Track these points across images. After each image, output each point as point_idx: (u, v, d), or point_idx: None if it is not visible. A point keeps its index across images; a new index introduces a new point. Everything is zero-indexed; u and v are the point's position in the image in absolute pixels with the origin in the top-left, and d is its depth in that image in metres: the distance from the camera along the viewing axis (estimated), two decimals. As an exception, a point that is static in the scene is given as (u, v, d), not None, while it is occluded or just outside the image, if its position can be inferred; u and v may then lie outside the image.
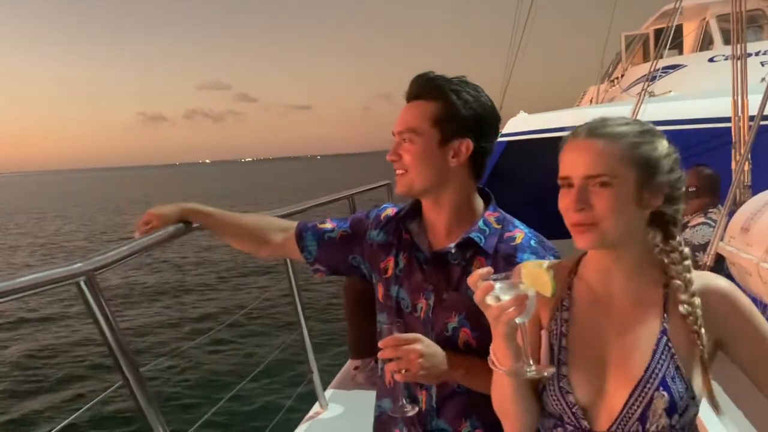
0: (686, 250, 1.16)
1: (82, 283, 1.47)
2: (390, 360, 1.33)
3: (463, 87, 1.45)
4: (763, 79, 5.22)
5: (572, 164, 1.11)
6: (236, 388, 2.61)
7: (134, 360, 1.61)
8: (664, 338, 1.11)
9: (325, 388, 3.20)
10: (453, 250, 1.46)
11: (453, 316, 1.43)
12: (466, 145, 1.45)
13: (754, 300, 2.92)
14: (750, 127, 3.56)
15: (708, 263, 3.05)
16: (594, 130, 1.12)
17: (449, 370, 1.34)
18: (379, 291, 1.61)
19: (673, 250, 1.14)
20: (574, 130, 1.15)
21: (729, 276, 3.35)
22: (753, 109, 3.59)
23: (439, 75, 1.46)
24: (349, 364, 3.50)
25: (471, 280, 1.12)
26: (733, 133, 3.85)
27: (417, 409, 1.43)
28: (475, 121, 1.45)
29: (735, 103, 3.84)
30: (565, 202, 1.12)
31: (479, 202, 1.54)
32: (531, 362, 1.11)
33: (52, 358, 8.15)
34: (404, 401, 1.40)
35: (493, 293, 1.08)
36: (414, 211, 1.57)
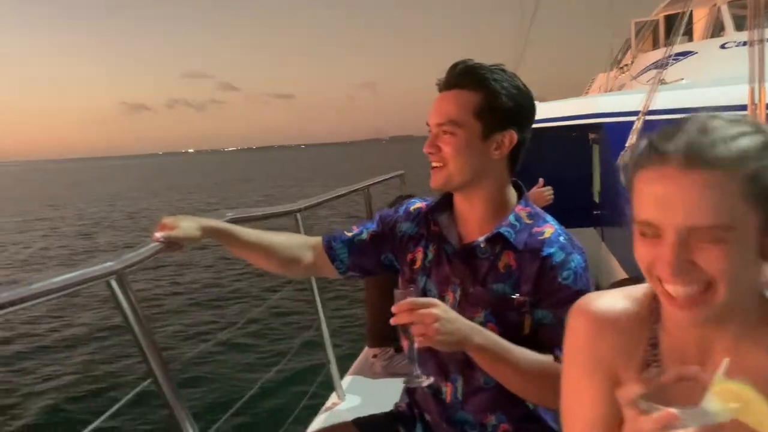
0: None
1: (113, 282, 1.47)
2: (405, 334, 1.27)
3: (504, 76, 1.41)
4: (775, 66, 5.16)
5: (662, 206, 0.77)
6: (259, 383, 2.61)
7: (163, 357, 1.62)
8: None
9: (342, 378, 3.19)
10: (482, 245, 1.44)
11: (479, 311, 1.41)
12: (509, 137, 1.41)
13: None
14: (768, 115, 3.53)
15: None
16: (699, 152, 0.75)
17: (467, 338, 1.26)
18: (403, 283, 1.59)
19: None
20: (659, 145, 0.79)
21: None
22: None
23: (478, 63, 1.42)
24: (367, 352, 3.49)
25: (624, 399, 0.74)
26: (750, 121, 3.81)
27: (431, 379, 1.38)
28: (518, 111, 1.41)
29: (752, 90, 3.79)
30: (650, 255, 0.80)
31: (512, 195, 1.50)
32: None
33: (80, 357, 8.15)
34: (418, 371, 1.35)
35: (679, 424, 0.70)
36: (444, 203, 1.54)
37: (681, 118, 0.82)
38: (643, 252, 0.81)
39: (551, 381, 1.23)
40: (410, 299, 1.24)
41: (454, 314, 1.26)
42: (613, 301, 0.94)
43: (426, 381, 1.36)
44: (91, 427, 1.47)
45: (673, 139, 0.78)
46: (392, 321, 1.24)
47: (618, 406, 0.83)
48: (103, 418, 1.52)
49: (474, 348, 1.27)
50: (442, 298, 1.48)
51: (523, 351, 1.31)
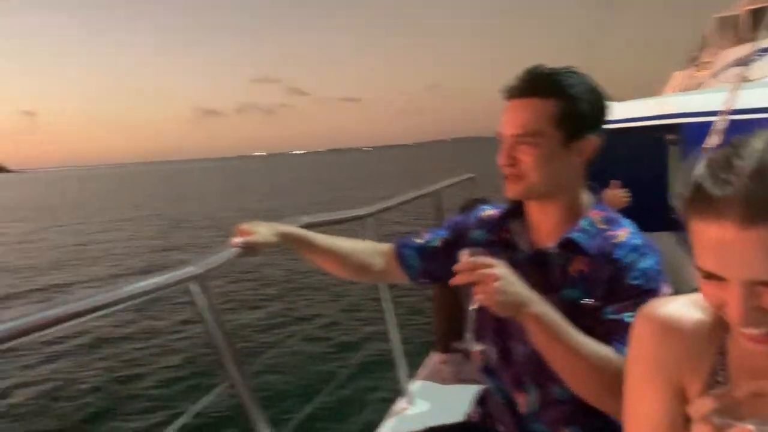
0: None
1: (194, 285, 1.52)
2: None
3: (579, 80, 1.36)
4: None
5: (723, 261, 0.73)
6: (330, 385, 2.65)
7: (239, 359, 1.66)
8: None
9: (409, 382, 3.18)
10: (554, 251, 1.40)
11: None
12: (590, 143, 1.38)
13: None
14: None
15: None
16: (757, 207, 0.69)
17: (526, 304, 1.22)
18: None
19: None
20: (711, 192, 0.72)
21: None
22: None
23: (551, 68, 1.37)
24: (435, 357, 3.47)
25: (697, 413, 0.73)
26: None
27: (482, 347, 1.37)
28: (597, 115, 1.38)
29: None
30: (717, 298, 0.77)
31: (586, 199, 1.45)
32: None
33: (159, 357, 8.38)
34: (471, 337, 1.33)
35: None
36: (516, 210, 1.51)
37: (735, 145, 0.75)
38: (708, 293, 0.78)
39: (609, 375, 1.20)
40: (472, 258, 1.23)
41: (516, 278, 1.23)
42: (680, 307, 0.92)
43: (477, 346, 1.35)
44: (171, 428, 1.52)
45: (726, 184, 0.71)
46: (452, 281, 1.23)
47: (680, 413, 0.86)
48: (182, 420, 1.58)
49: (532, 317, 1.22)
50: None
51: (582, 336, 1.25)
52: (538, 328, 1.23)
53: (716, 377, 0.86)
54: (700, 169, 0.76)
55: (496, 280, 1.19)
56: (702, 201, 0.74)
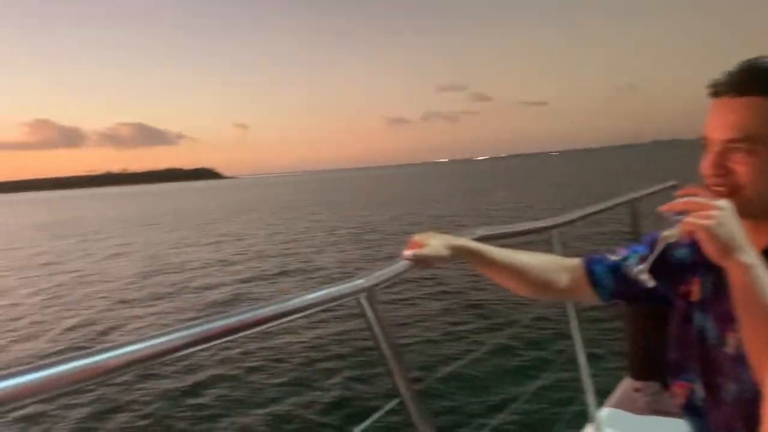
0: None
1: (363, 299, 1.49)
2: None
3: None
4: None
5: None
6: (509, 407, 2.52)
7: (409, 376, 1.60)
8: None
9: (599, 409, 2.94)
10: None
11: None
12: None
13: None
14: None
15: None
16: None
17: (741, 248, 1.07)
18: (676, 318, 1.37)
19: None
20: None
21: None
22: None
23: None
24: (627, 383, 3.17)
25: None
26: None
27: (653, 283, 1.23)
28: None
29: None
30: None
31: None
32: None
33: (326, 371, 8.39)
34: (646, 266, 1.22)
35: None
36: None
37: None
38: None
39: None
40: (697, 188, 1.13)
41: (738, 221, 1.10)
42: None
43: (650, 282, 1.22)
44: None
45: None
46: (662, 207, 1.13)
47: None
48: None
49: (742, 266, 1.07)
50: (722, 339, 1.25)
51: None
52: (745, 281, 1.07)
53: None
54: None
55: (716, 209, 1.08)
56: None
